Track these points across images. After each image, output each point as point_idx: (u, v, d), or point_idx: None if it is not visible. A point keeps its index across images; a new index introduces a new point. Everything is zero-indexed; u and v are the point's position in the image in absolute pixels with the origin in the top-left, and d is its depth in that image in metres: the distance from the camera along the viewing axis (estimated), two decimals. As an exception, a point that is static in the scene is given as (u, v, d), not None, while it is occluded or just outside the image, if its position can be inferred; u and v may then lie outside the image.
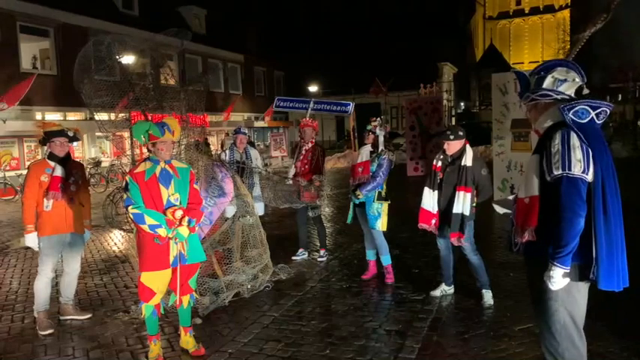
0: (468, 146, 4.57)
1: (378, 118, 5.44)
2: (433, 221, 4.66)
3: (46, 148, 4.61)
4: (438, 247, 4.86)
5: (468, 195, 4.44)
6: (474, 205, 4.56)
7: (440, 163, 4.65)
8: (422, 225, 4.74)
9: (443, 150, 4.62)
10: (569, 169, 2.39)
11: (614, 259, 2.41)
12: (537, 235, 2.56)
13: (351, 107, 6.93)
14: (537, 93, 2.62)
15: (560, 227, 2.39)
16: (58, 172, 4.47)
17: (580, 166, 2.38)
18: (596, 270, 2.41)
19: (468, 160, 4.47)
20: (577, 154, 2.39)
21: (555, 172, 2.44)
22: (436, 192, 4.63)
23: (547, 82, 2.59)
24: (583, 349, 2.57)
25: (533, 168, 2.60)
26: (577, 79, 2.57)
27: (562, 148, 2.43)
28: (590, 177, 2.39)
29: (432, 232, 4.75)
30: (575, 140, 2.41)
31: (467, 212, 4.44)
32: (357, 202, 5.37)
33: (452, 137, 4.51)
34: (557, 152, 2.44)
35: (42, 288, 4.56)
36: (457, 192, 4.45)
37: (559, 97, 2.56)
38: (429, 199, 4.67)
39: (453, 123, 37.30)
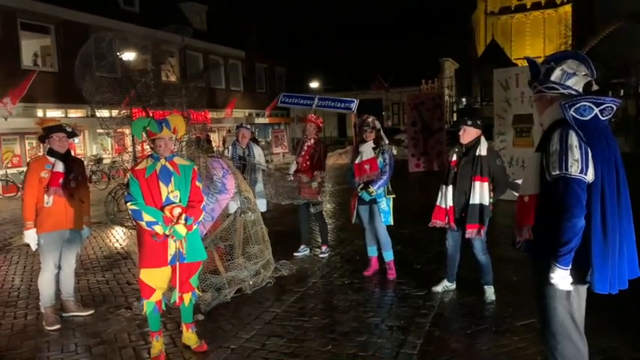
0: (483, 138, 4.54)
1: (366, 114, 5.47)
2: (447, 217, 4.62)
3: (45, 144, 4.61)
4: (445, 244, 4.81)
5: (485, 184, 4.40)
6: (492, 201, 4.50)
7: (455, 157, 4.62)
8: (434, 222, 4.69)
9: (458, 142, 4.62)
10: (567, 170, 2.35)
11: (609, 263, 2.38)
12: (536, 233, 2.54)
13: (355, 104, 6.91)
14: (544, 85, 2.56)
15: (559, 228, 2.36)
16: (58, 168, 4.46)
17: (577, 166, 2.34)
18: (591, 274, 2.39)
19: (482, 150, 4.45)
20: (575, 154, 2.35)
21: (553, 173, 2.41)
22: (450, 187, 4.59)
23: (555, 75, 2.52)
24: (583, 348, 2.56)
25: (534, 166, 2.57)
26: (587, 74, 2.50)
27: (560, 147, 2.39)
28: (589, 177, 2.35)
29: (442, 227, 4.71)
30: (573, 139, 2.36)
31: (485, 202, 4.40)
32: (367, 199, 5.32)
33: (469, 122, 4.51)
34: (555, 152, 2.41)
35: (46, 284, 4.58)
36: (473, 182, 4.42)
37: (566, 91, 2.50)
38: (443, 195, 4.64)
39: (455, 119, 37.29)
